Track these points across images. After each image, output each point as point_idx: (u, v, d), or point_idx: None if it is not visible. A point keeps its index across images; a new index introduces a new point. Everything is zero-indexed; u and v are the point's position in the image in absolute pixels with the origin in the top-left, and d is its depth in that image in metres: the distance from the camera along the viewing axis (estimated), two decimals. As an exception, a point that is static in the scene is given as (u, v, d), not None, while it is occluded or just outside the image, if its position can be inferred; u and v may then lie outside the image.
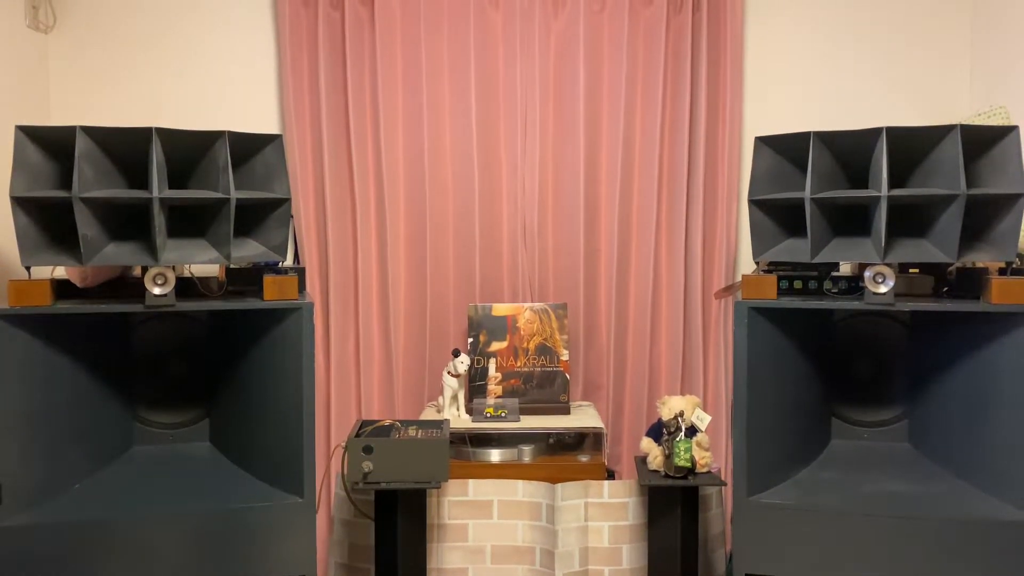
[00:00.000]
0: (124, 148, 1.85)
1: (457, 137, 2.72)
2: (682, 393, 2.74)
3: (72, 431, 1.92)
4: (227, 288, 2.10)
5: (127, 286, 2.07)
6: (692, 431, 2.15)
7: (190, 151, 1.91)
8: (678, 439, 2.11)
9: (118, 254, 1.86)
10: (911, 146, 1.88)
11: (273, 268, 2.14)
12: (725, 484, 2.21)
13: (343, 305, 2.73)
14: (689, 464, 2.10)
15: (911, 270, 2.14)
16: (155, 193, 1.81)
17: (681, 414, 2.14)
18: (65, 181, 1.81)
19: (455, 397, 2.50)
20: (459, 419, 2.48)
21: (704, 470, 2.14)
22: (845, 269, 2.22)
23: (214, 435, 2.14)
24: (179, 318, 2.12)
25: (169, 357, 2.13)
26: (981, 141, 1.86)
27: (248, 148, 1.95)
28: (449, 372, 2.48)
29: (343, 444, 2.02)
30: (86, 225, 1.80)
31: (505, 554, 2.23)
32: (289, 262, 2.61)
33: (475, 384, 2.60)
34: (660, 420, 2.19)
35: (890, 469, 2.06)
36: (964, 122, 1.88)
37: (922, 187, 1.89)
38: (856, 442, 2.16)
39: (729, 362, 2.73)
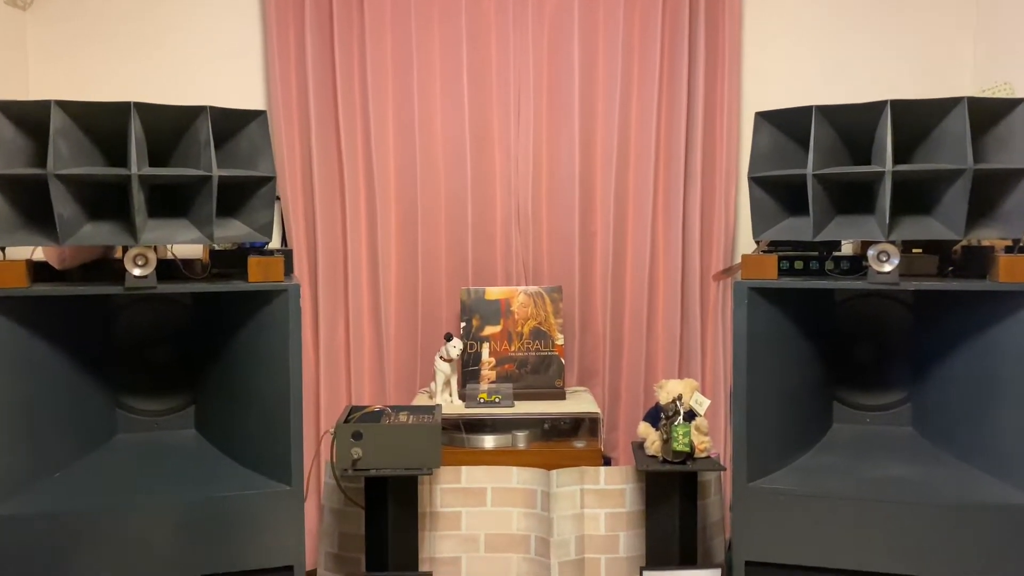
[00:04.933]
0: (102, 124, 1.81)
1: (449, 116, 2.69)
2: (680, 377, 2.72)
3: (52, 419, 1.89)
4: (211, 270, 2.07)
5: (108, 268, 2.02)
6: (690, 415, 2.13)
7: (171, 127, 1.87)
8: (676, 423, 2.09)
9: (96, 234, 1.83)
10: (916, 120, 1.86)
11: (259, 250, 2.11)
12: (724, 469, 2.19)
13: (332, 288, 2.71)
14: (688, 449, 2.08)
15: (914, 249, 2.12)
16: (134, 170, 1.77)
17: (679, 398, 2.12)
18: (40, 158, 1.76)
19: (448, 382, 2.49)
20: (452, 405, 2.47)
21: (703, 455, 2.12)
22: (847, 249, 2.20)
23: (200, 422, 2.12)
24: (163, 301, 2.10)
25: (153, 342, 2.11)
26: (988, 115, 1.84)
27: (231, 124, 1.92)
28: (441, 357, 2.47)
29: (331, 430, 1.98)
30: (62, 204, 1.76)
31: (499, 543, 2.21)
32: (276, 244, 2.63)
33: (468, 369, 2.59)
34: (658, 404, 2.18)
35: (893, 453, 2.05)
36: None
37: (927, 162, 1.86)
38: (858, 426, 2.14)
39: (728, 345, 2.72)
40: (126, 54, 2.66)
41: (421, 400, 2.57)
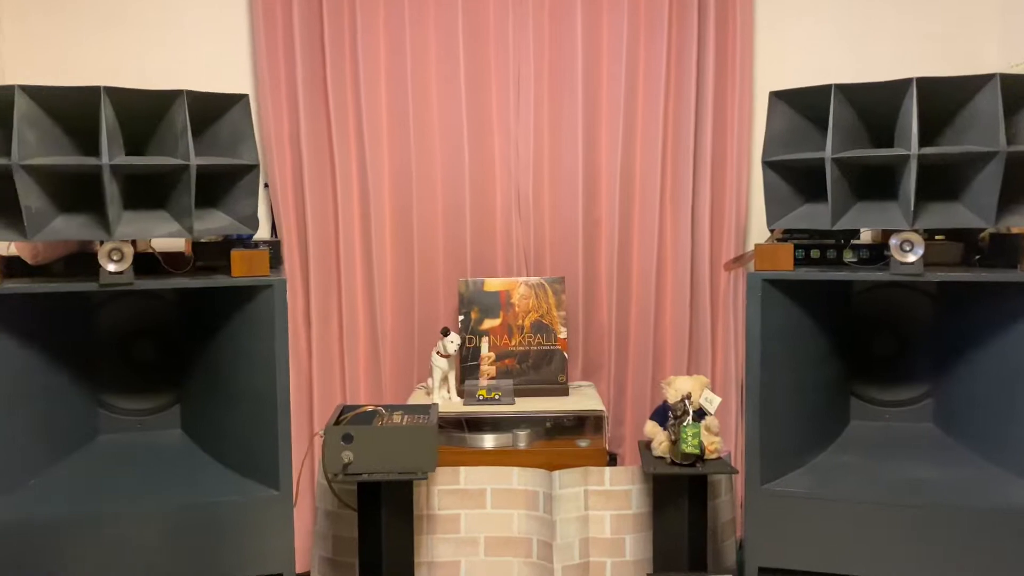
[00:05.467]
0: (72, 110, 1.76)
1: (444, 97, 2.62)
2: (689, 373, 2.64)
3: (30, 420, 1.84)
4: (195, 264, 2.04)
5: (87, 261, 1.96)
6: (700, 414, 2.06)
7: (147, 113, 1.82)
8: (685, 424, 2.01)
9: (67, 228, 1.78)
10: (943, 99, 1.80)
11: (245, 242, 2.08)
12: (736, 472, 2.12)
13: (325, 281, 2.65)
14: (697, 451, 2.00)
15: (936, 236, 2.07)
16: (105, 160, 1.72)
17: (688, 396, 2.05)
18: (6, 147, 1.70)
19: (445, 379, 2.43)
20: (450, 402, 2.42)
21: (713, 456, 2.05)
22: (865, 236, 2.18)
23: (186, 422, 2.10)
24: (145, 296, 2.08)
25: (136, 338, 2.08)
26: (1022, 93, 1.76)
27: (211, 109, 1.88)
28: (438, 352, 2.40)
29: (321, 432, 1.94)
30: (29, 196, 1.71)
31: (500, 546, 2.15)
32: (265, 234, 2.60)
33: (467, 365, 2.54)
34: (665, 402, 2.10)
35: (914, 453, 2.00)
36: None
37: (956, 144, 1.79)
38: (877, 423, 2.10)
39: (740, 339, 2.66)
40: (106, 34, 2.57)
41: (418, 396, 2.51)
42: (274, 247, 2.15)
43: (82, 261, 1.98)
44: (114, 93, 1.72)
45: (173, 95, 1.78)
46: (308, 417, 2.63)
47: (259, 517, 1.88)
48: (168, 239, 1.89)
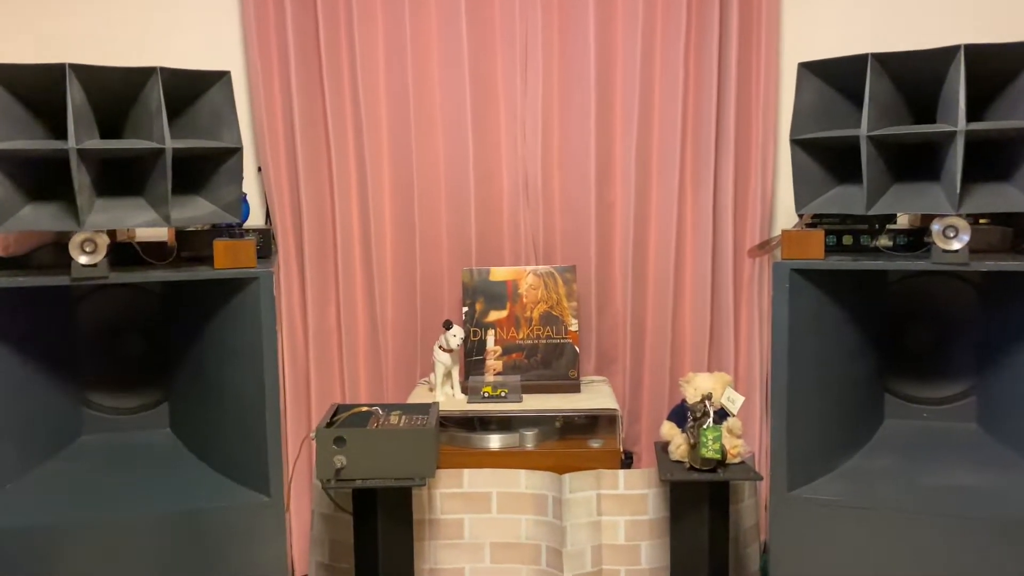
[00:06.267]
0: (39, 90, 1.69)
1: (447, 72, 2.52)
2: (709, 369, 2.57)
3: (6, 419, 1.81)
4: (179, 254, 1.98)
5: (64, 252, 1.87)
6: (721, 415, 1.96)
7: (120, 93, 1.76)
8: (705, 426, 1.91)
9: (36, 218, 1.73)
10: (993, 69, 1.73)
11: (232, 230, 2.02)
12: (761, 479, 2.03)
13: (321, 270, 2.58)
14: (718, 456, 1.90)
15: (980, 220, 1.99)
16: (72, 143, 1.65)
17: (709, 396, 1.94)
18: None
19: (448, 375, 2.35)
20: (453, 400, 2.34)
21: (736, 460, 1.94)
22: (902, 221, 2.11)
23: (174, 421, 2.07)
24: (128, 289, 2.03)
25: (121, 332, 2.03)
26: None
27: (189, 88, 1.80)
28: (440, 347, 2.32)
29: (312, 435, 1.86)
30: None
31: (506, 552, 2.10)
32: (260, 222, 2.53)
33: (471, 359, 2.47)
34: (683, 401, 2.01)
35: (954, 455, 1.95)
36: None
37: (1007, 119, 1.70)
38: (914, 422, 2.04)
39: (765, 332, 2.56)
40: (87, 10, 2.49)
41: (421, 392, 2.45)
42: (265, 235, 2.10)
43: (60, 251, 1.89)
44: (81, 71, 1.64)
45: (146, 72, 1.70)
46: (306, 414, 2.57)
47: (249, 525, 1.82)
48: (152, 228, 1.81)
